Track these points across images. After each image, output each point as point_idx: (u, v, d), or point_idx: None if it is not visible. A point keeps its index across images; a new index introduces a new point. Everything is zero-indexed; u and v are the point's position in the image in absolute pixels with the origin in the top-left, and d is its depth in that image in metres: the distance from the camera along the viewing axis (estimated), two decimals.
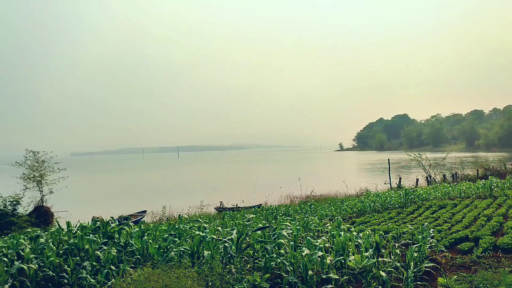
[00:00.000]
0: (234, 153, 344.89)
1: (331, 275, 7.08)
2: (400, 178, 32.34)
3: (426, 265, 7.73)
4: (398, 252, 8.58)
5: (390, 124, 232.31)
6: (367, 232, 10.25)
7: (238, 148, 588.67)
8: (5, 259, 8.31)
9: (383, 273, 6.82)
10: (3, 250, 9.08)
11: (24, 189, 20.87)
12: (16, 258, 8.74)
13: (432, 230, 9.46)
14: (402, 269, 7.38)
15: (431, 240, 9.35)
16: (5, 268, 7.59)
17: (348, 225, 12.68)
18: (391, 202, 17.70)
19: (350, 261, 7.42)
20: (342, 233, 9.00)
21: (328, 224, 12.73)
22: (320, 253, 7.40)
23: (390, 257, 8.28)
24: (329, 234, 10.16)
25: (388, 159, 38.35)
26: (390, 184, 31.57)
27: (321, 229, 12.24)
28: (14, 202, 18.41)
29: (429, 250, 9.21)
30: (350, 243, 8.85)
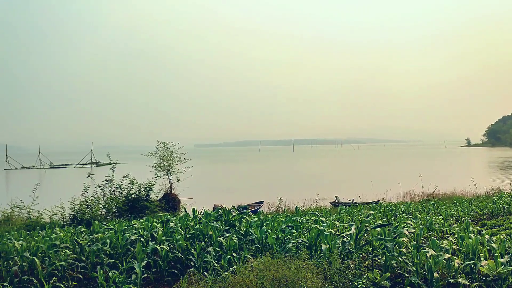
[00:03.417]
0: (349, 147, 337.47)
1: (460, 279, 6.56)
2: None
3: None
4: None
5: None
6: (501, 237, 9.28)
7: (353, 142, 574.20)
8: (142, 239, 9.25)
9: None
10: (140, 231, 10.11)
11: (155, 177, 22.78)
12: (150, 239, 9.67)
13: None
14: None
15: None
16: (142, 248, 8.44)
17: (478, 227, 11.64)
18: None
19: (482, 266, 6.80)
20: (472, 235, 8.30)
21: (454, 225, 11.82)
22: (447, 255, 6.89)
23: None
24: (456, 235, 9.43)
25: None
26: None
27: (446, 230, 11.43)
28: (148, 188, 20.26)
29: None
30: (482, 247, 8.11)
